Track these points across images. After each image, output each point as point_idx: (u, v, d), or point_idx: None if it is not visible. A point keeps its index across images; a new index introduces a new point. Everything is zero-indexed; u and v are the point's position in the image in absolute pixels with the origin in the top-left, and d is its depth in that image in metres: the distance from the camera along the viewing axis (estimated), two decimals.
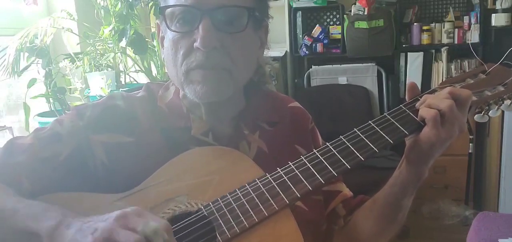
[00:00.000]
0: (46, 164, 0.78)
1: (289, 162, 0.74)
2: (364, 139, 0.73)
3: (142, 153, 0.80)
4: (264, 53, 0.89)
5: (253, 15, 0.77)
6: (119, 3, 2.08)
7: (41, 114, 2.02)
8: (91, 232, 0.58)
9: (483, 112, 0.82)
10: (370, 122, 0.76)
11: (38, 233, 0.64)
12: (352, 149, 0.73)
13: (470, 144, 2.91)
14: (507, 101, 0.82)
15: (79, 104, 0.87)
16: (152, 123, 0.83)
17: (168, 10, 0.76)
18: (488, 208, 2.98)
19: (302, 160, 0.74)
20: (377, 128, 0.75)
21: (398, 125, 0.74)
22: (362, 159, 0.71)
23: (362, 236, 0.87)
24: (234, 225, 0.68)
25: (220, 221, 0.69)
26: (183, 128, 0.83)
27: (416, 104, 0.76)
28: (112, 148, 0.80)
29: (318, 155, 0.74)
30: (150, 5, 2.24)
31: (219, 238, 0.67)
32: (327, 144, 0.75)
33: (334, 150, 0.74)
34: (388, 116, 0.76)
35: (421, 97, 0.77)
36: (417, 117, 0.74)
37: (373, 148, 0.72)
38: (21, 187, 0.75)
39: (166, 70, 0.89)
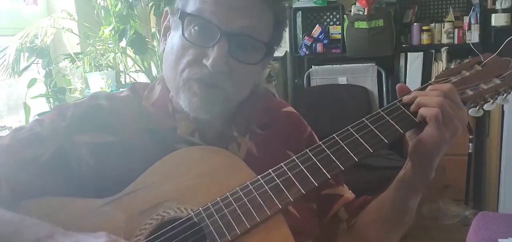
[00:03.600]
0: (26, 166, 0.73)
1: (282, 164, 0.71)
2: (359, 138, 0.71)
3: (127, 153, 0.77)
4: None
5: (269, 51, 0.76)
6: (119, 3, 2.09)
7: (41, 114, 2.02)
8: None
9: (478, 107, 0.79)
10: (363, 119, 0.73)
11: None
12: (346, 149, 0.70)
13: (470, 144, 2.91)
14: (503, 94, 0.79)
15: (60, 105, 0.83)
16: (137, 123, 0.80)
17: (189, 17, 0.73)
18: (488, 208, 2.98)
19: (295, 161, 0.71)
20: (371, 127, 0.72)
21: (393, 123, 0.72)
22: (356, 159, 0.69)
23: (370, 239, 0.86)
24: (226, 232, 0.65)
25: (211, 228, 0.66)
26: (169, 127, 0.80)
27: (404, 98, 0.74)
28: (97, 148, 0.77)
29: (311, 156, 0.71)
30: (150, 5, 2.25)
31: None
32: (320, 143, 0.73)
33: (328, 150, 0.71)
34: (383, 113, 0.74)
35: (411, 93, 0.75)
36: (412, 114, 0.72)
37: (368, 148, 0.70)
38: (0, 191, 0.71)
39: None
